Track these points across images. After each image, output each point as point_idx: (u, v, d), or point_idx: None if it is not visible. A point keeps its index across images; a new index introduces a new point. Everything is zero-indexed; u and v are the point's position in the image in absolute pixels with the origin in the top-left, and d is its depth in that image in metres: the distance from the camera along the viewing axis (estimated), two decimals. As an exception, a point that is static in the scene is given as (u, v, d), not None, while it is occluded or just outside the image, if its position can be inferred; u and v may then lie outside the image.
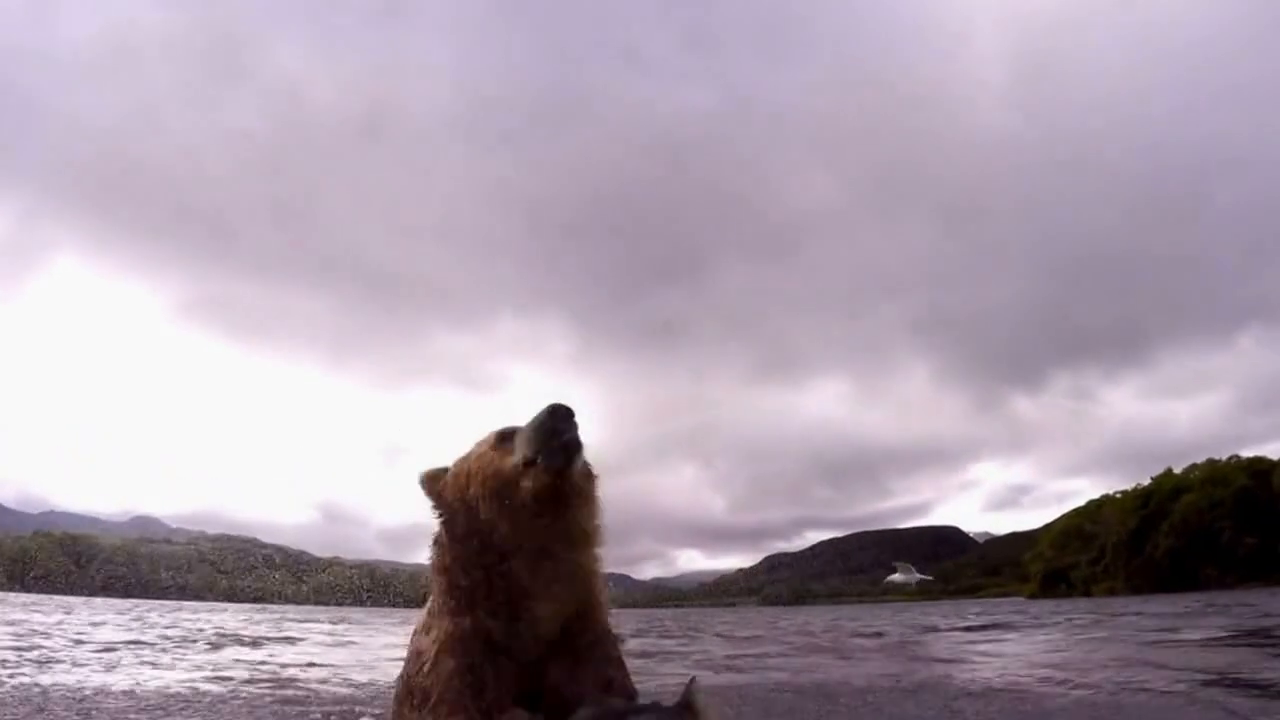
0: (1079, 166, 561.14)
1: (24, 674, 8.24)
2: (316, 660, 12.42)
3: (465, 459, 3.14)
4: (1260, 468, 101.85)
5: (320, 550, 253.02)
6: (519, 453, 2.90)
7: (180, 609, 50.48)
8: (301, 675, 9.61)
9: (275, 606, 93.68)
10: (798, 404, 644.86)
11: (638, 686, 3.11)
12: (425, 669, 3.00)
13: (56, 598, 70.79)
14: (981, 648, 13.77)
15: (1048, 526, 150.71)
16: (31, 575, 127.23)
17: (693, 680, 2.86)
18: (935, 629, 21.97)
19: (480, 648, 2.90)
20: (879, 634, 19.79)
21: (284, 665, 11.21)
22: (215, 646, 14.58)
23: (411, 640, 3.28)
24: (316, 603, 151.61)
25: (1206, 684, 7.11)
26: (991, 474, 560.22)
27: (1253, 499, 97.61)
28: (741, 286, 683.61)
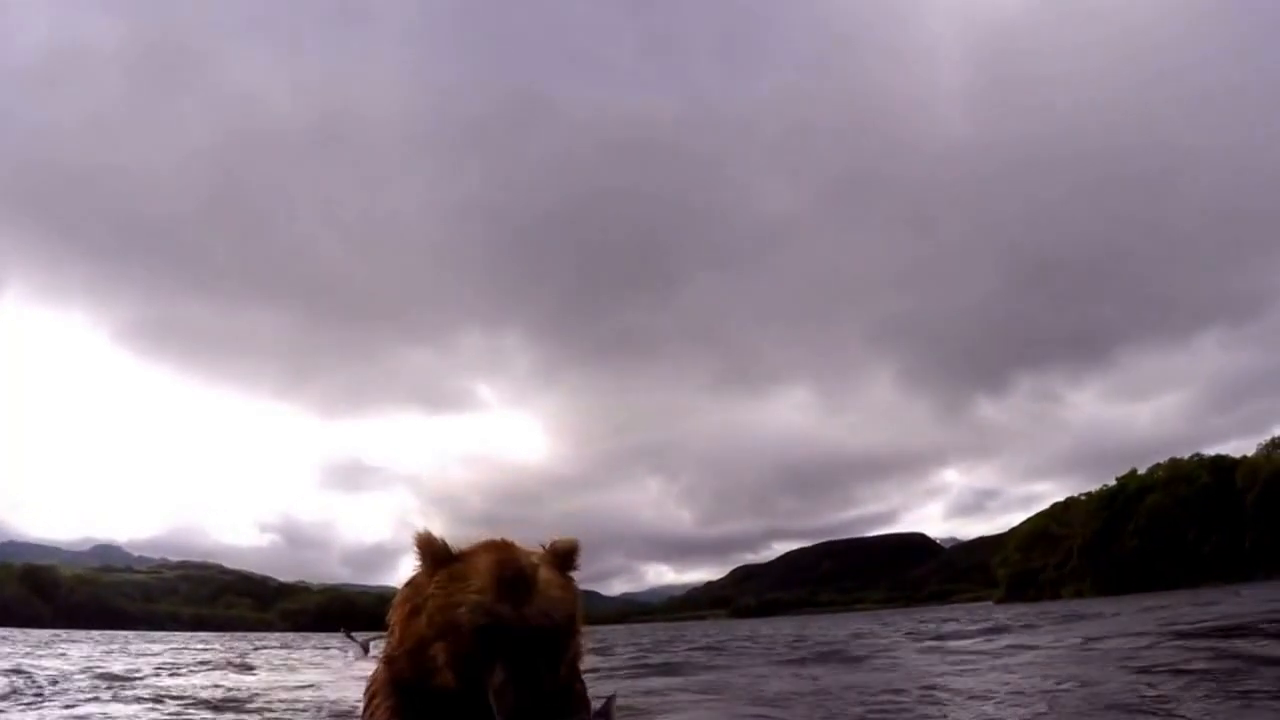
0: (1037, 171, 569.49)
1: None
2: (289, 684, 12.34)
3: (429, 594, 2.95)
4: (1223, 465, 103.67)
5: (284, 575, 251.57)
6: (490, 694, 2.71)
7: (150, 640, 49.74)
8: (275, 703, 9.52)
9: (251, 635, 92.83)
10: (762, 414, 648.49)
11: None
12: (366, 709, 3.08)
13: (18, 631, 69.55)
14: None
15: (1014, 530, 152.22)
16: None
17: (612, 697, 3.04)
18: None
19: (409, 701, 2.93)
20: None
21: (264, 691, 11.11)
22: (183, 675, 14.36)
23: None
24: (292, 628, 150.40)
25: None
26: (957, 479, 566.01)
27: (1216, 497, 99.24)
28: (704, 296, 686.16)
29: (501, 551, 2.95)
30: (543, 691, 2.68)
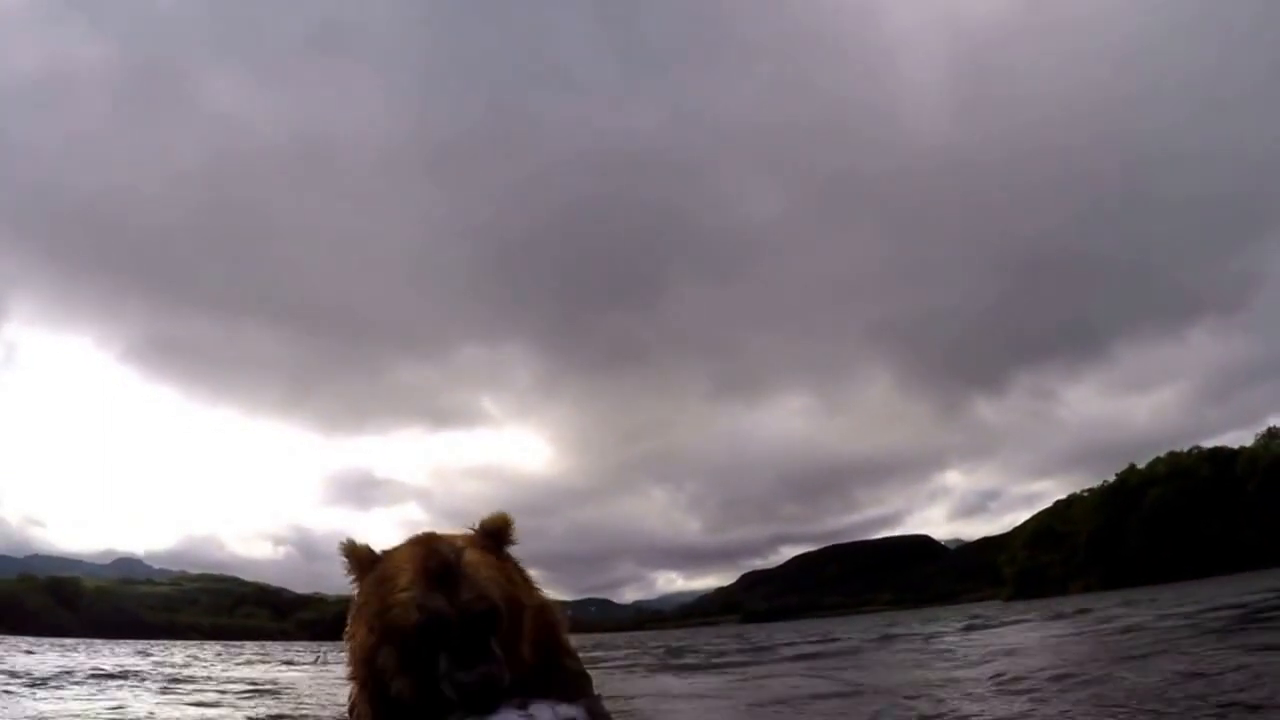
0: (1023, 167, 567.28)
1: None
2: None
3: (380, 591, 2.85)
4: (1222, 456, 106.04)
5: (299, 586, 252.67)
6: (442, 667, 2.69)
7: (177, 648, 51.11)
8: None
9: (270, 644, 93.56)
10: (762, 420, 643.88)
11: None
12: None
13: (49, 639, 70.67)
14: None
15: (1018, 529, 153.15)
16: (18, 617, 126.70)
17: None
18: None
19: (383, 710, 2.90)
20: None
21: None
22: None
23: None
24: (310, 637, 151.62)
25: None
26: (958, 481, 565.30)
27: (1218, 488, 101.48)
28: (696, 304, 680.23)
29: (423, 543, 2.90)
30: (501, 671, 2.68)
